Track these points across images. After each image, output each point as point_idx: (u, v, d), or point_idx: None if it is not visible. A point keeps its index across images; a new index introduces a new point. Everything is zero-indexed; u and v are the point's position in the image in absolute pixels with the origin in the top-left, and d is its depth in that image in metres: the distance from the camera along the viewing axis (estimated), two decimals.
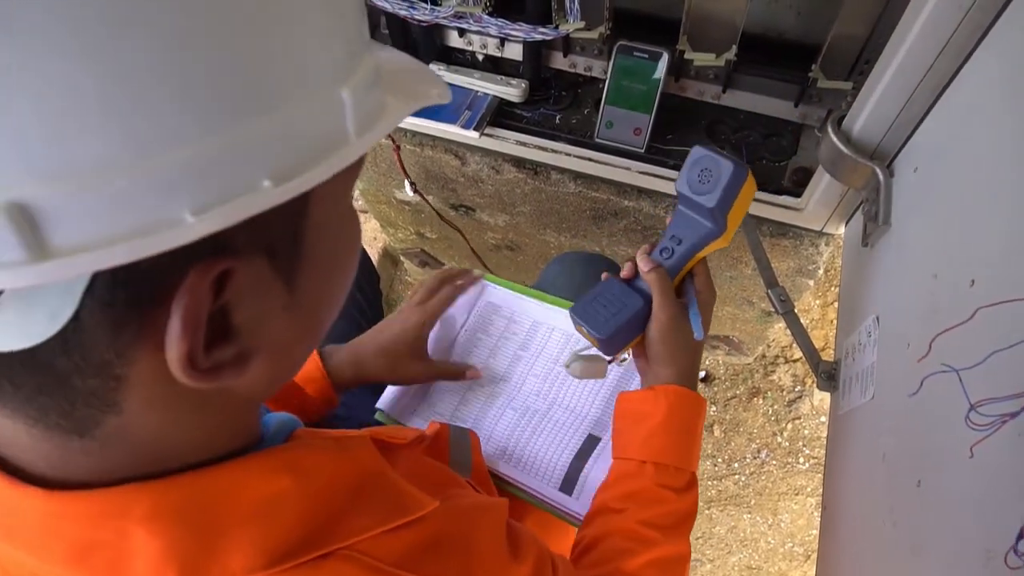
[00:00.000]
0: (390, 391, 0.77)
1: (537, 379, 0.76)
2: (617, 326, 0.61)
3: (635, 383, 0.72)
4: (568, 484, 0.67)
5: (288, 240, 0.28)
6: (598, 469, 0.67)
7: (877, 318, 0.64)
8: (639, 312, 0.61)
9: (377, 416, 0.76)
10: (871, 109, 0.66)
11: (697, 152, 0.59)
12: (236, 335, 0.28)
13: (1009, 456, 0.37)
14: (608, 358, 0.63)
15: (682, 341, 0.62)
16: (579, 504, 0.66)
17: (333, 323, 0.92)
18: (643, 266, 0.62)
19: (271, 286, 0.28)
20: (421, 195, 1.11)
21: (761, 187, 0.87)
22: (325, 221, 0.30)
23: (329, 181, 0.27)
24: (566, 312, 0.79)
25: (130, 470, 0.30)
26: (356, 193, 1.72)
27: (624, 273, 0.65)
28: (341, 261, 0.34)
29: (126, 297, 0.23)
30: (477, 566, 0.39)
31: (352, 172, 0.31)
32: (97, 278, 0.22)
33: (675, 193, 0.61)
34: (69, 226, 0.20)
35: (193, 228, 0.22)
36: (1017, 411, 0.36)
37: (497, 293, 0.83)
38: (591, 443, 0.69)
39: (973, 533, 0.39)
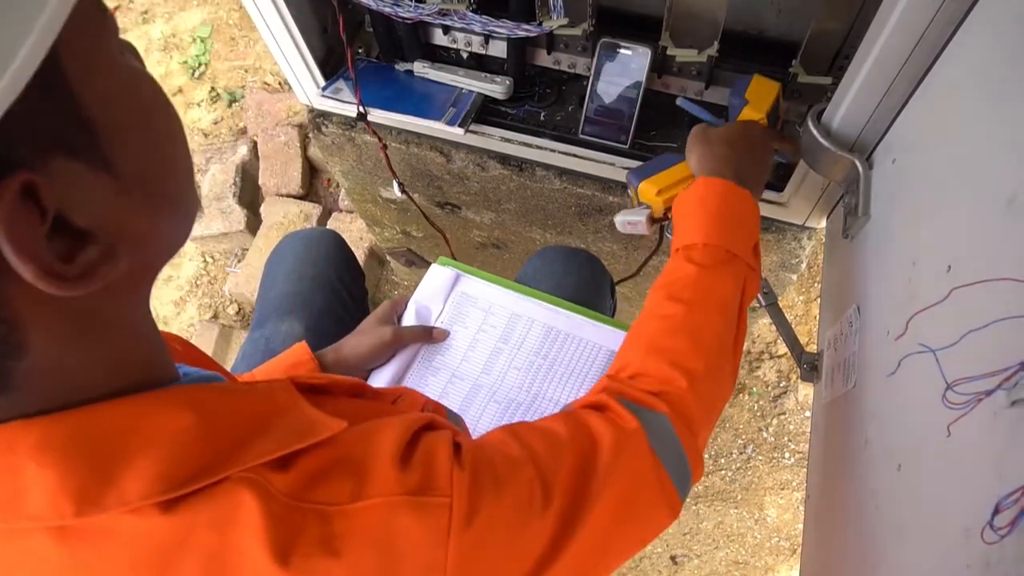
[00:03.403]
0: (372, 380, 0.77)
1: (519, 372, 0.76)
2: (649, 164, 0.74)
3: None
4: None
5: (75, 130, 0.28)
6: None
7: (858, 308, 0.65)
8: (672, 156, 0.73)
9: None
10: (850, 102, 0.67)
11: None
12: (91, 235, 0.29)
13: (985, 433, 0.38)
14: (646, 209, 0.72)
15: (718, 146, 0.67)
16: None
17: (320, 320, 0.92)
18: None
19: (90, 180, 0.29)
20: (409, 195, 1.11)
21: None
22: (104, 95, 0.29)
23: (78, 51, 0.27)
24: (545, 305, 0.80)
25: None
26: (342, 193, 1.72)
27: None
28: (151, 124, 0.33)
29: None
30: (368, 481, 0.37)
31: (94, 29, 0.29)
32: None
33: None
34: None
35: None
36: (992, 389, 0.37)
37: (473, 284, 0.83)
38: None
39: (951, 512, 0.40)
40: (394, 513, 0.36)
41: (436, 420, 0.45)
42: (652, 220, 0.73)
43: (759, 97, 0.73)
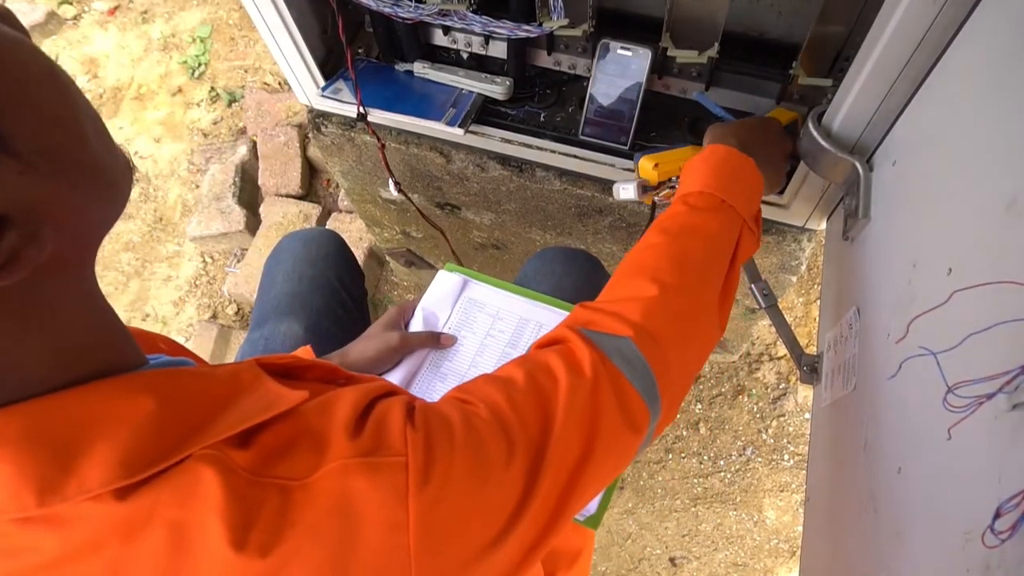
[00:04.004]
0: None
1: None
2: (658, 147, 0.79)
3: None
4: None
5: None
6: None
7: (858, 310, 0.65)
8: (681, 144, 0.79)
9: None
10: (851, 104, 0.67)
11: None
12: (7, 221, 0.28)
13: (985, 437, 0.38)
14: (640, 179, 0.77)
15: (734, 126, 0.71)
16: None
17: (319, 321, 0.91)
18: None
19: None
20: (405, 194, 1.11)
21: None
22: None
23: None
24: (553, 309, 0.80)
25: None
26: (342, 193, 1.72)
27: None
28: (39, 93, 0.30)
29: None
30: (326, 451, 0.37)
31: None
32: None
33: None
34: None
35: None
36: (993, 392, 0.37)
37: (480, 290, 0.83)
38: None
39: (952, 515, 0.40)
40: (348, 476, 0.36)
41: (394, 387, 0.44)
42: (644, 188, 0.77)
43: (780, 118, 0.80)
